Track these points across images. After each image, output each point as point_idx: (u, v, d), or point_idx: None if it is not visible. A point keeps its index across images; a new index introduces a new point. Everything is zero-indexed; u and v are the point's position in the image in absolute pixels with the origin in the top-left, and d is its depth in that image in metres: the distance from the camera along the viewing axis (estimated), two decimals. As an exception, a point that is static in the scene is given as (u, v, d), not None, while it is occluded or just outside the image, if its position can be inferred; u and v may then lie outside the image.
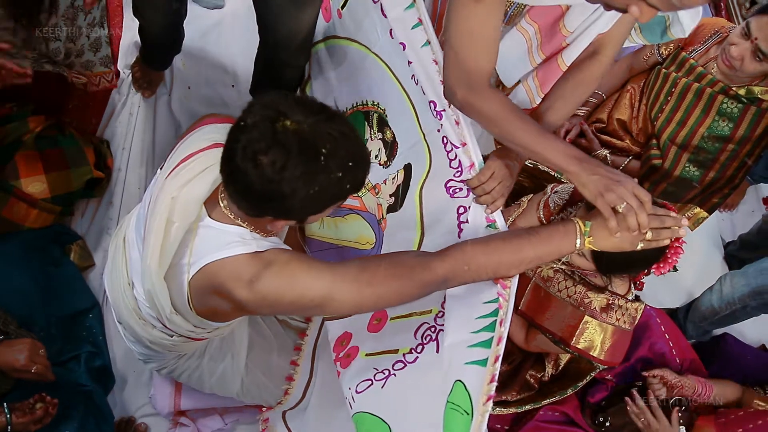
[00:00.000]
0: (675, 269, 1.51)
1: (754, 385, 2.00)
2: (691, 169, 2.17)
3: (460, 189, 1.57)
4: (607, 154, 2.36)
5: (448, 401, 1.31)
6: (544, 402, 1.93)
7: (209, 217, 1.29)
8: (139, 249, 1.40)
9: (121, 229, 1.56)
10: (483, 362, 1.29)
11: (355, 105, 1.95)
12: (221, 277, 1.24)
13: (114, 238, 1.57)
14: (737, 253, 2.56)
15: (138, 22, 2.14)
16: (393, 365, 1.54)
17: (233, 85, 2.55)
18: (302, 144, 1.10)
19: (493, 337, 1.31)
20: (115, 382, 2.15)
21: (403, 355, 1.54)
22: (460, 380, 1.31)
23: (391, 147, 1.80)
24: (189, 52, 2.55)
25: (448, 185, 1.59)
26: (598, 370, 1.93)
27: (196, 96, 2.55)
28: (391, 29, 1.67)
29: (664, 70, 2.16)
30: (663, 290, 2.42)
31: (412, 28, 1.61)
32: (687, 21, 1.68)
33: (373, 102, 1.87)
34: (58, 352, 2.00)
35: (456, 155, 1.56)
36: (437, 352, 1.47)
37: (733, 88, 2.05)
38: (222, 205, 1.29)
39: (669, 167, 2.19)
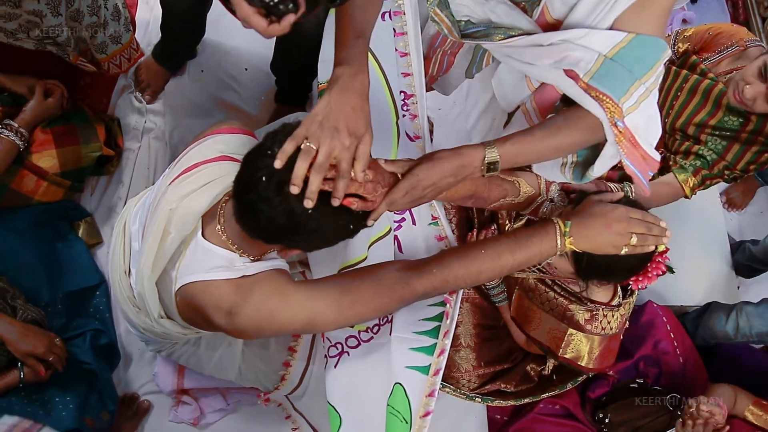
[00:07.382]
0: (672, 271, 1.50)
1: (749, 385, 1.97)
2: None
3: None
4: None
5: (388, 404, 1.31)
6: (543, 396, 1.94)
7: (202, 234, 1.27)
8: (138, 241, 1.41)
9: (123, 215, 1.57)
10: (425, 369, 1.28)
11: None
12: (202, 300, 1.23)
13: (117, 223, 1.58)
14: (746, 262, 2.55)
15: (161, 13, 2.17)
16: (346, 340, 1.54)
17: (246, 69, 2.55)
18: None
19: (435, 345, 1.29)
20: (121, 359, 2.18)
21: (358, 332, 1.54)
22: (400, 383, 1.30)
23: None
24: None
25: None
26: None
27: (209, 79, 2.55)
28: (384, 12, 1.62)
29: (675, 68, 2.14)
30: (664, 287, 2.42)
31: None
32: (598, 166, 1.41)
33: None
34: (63, 328, 2.01)
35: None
36: (390, 334, 1.47)
37: None
38: (218, 224, 1.26)
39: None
